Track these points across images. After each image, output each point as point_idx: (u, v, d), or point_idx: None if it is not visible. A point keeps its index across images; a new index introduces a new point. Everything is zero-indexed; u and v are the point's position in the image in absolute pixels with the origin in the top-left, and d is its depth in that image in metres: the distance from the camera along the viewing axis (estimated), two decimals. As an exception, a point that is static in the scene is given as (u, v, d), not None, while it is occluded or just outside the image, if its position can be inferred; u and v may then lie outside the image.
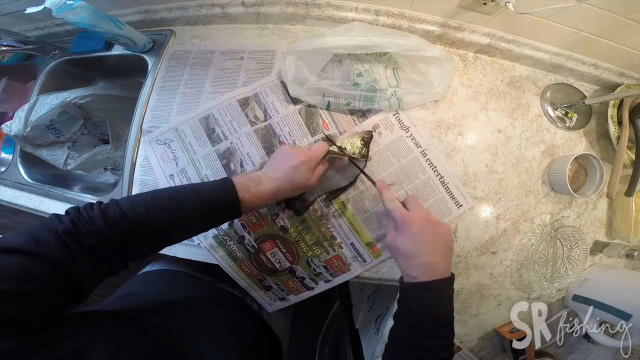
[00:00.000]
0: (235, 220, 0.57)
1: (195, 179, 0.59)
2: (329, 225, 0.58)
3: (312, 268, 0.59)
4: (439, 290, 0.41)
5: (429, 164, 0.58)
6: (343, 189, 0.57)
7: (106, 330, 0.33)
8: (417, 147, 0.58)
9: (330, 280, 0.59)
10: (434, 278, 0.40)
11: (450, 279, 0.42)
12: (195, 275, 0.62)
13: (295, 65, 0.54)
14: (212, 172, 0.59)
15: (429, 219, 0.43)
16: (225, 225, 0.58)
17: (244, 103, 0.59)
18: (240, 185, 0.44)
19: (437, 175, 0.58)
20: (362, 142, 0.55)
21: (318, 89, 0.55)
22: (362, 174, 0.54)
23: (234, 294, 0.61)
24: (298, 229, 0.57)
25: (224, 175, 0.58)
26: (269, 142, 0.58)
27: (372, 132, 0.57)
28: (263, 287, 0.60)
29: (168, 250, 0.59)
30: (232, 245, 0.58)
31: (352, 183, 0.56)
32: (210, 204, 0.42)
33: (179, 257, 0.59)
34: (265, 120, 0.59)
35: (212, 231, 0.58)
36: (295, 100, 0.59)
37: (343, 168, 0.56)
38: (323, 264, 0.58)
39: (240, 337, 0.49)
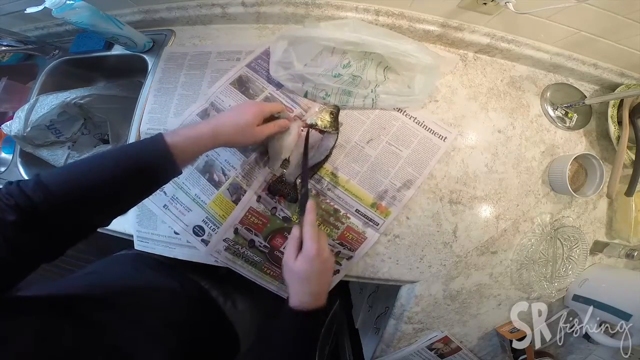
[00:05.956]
0: (239, 226, 0.57)
1: (187, 202, 0.59)
2: (327, 200, 0.57)
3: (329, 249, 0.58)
4: (320, 317, 0.46)
5: (397, 111, 0.59)
6: (320, 164, 0.56)
7: (32, 320, 0.31)
8: None
9: (352, 256, 0.58)
10: (318, 306, 0.45)
11: (326, 306, 0.47)
12: (167, 263, 0.61)
13: (285, 49, 0.55)
14: (200, 189, 0.58)
15: (330, 254, 0.48)
16: (231, 235, 0.57)
17: (204, 114, 0.59)
18: (170, 132, 0.42)
19: (409, 118, 0.59)
20: (331, 116, 0.56)
21: (300, 76, 0.56)
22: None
23: (199, 284, 0.59)
24: (299, 214, 0.57)
25: (212, 189, 0.58)
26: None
27: (338, 106, 0.57)
28: None
29: (168, 252, 0.60)
30: (245, 252, 0.58)
31: (327, 157, 0.56)
32: (134, 153, 0.40)
33: (180, 258, 0.59)
34: None
35: (222, 244, 0.57)
36: (252, 96, 0.59)
37: (316, 144, 0.56)
38: (338, 242, 0.58)
39: (179, 332, 0.46)
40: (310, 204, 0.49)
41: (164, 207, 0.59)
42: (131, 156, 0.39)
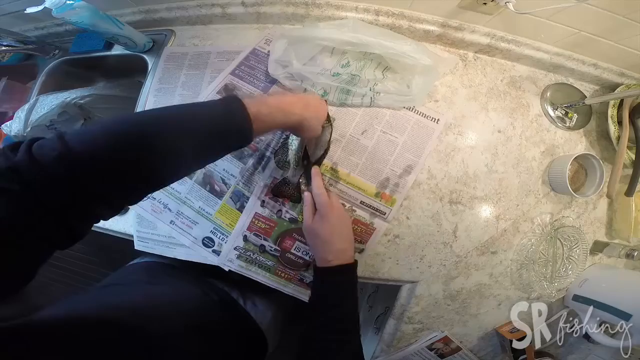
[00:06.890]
0: (248, 233, 0.57)
1: (192, 215, 0.59)
2: None
3: None
4: (351, 274, 0.48)
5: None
6: (321, 159, 0.56)
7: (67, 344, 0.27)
8: None
9: (364, 249, 0.57)
10: (346, 262, 0.48)
11: (356, 263, 0.49)
12: (181, 268, 0.60)
13: (285, 48, 0.56)
14: (203, 201, 0.59)
15: (343, 210, 0.51)
16: (241, 242, 0.57)
17: None
18: (250, 98, 0.37)
19: None
20: None
21: (298, 74, 0.56)
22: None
23: (218, 287, 0.58)
24: (306, 183, 0.56)
25: (216, 200, 0.58)
26: (238, 150, 0.58)
27: (325, 99, 0.57)
28: (307, 286, 0.58)
29: (168, 252, 0.59)
30: (257, 257, 0.57)
31: (327, 150, 0.56)
32: (208, 114, 0.35)
33: (180, 259, 0.59)
34: None
35: (234, 252, 0.57)
36: None
37: (313, 140, 0.56)
38: None
39: (207, 335, 0.45)
40: (314, 170, 0.52)
41: (170, 223, 0.59)
42: (204, 115, 0.34)
